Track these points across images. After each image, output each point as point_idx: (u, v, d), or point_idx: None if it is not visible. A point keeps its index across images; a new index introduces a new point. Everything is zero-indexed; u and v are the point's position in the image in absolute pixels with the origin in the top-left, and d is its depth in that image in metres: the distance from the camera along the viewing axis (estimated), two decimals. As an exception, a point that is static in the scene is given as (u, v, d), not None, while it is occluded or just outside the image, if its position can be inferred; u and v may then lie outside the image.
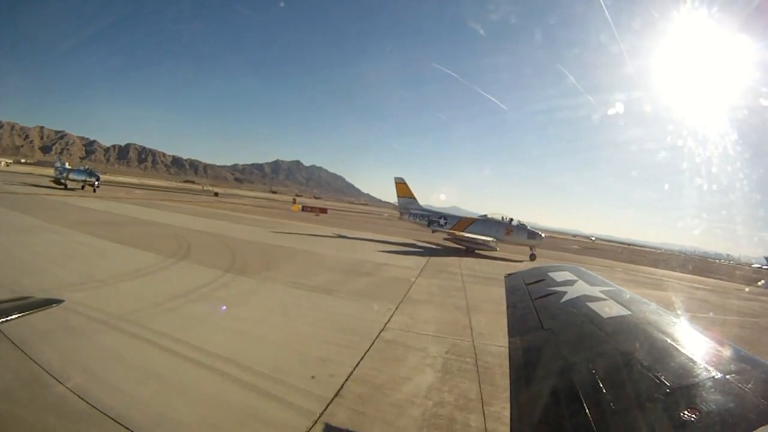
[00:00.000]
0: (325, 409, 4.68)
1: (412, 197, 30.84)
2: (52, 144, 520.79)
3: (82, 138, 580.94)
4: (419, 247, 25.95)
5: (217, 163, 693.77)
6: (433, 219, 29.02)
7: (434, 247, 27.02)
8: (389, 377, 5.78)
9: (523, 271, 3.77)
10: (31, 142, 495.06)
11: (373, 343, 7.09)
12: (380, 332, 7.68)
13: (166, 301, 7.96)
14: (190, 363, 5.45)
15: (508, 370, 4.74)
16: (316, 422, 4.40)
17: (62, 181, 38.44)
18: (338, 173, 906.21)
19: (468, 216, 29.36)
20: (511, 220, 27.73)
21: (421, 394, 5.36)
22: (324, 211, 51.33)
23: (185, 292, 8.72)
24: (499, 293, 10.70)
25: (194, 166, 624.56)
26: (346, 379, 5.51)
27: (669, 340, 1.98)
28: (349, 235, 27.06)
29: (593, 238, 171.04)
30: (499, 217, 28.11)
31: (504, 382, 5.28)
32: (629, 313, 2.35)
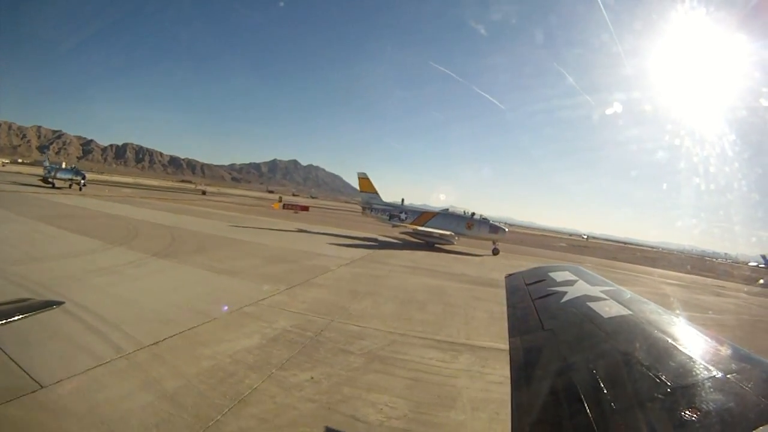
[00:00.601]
0: (137, 351, 5.70)
1: (374, 192, 31.14)
2: (50, 144, 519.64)
3: (79, 137, 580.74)
4: (377, 241, 26.22)
5: (215, 163, 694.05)
6: (394, 213, 29.10)
7: (395, 241, 27.08)
8: (214, 337, 6.58)
9: (524, 271, 3.80)
10: (28, 141, 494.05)
11: (230, 313, 7.96)
12: (245, 306, 8.48)
13: (80, 274, 9.37)
14: (70, 316, 6.70)
15: (340, 345, 6.79)
16: (121, 357, 5.44)
17: (50, 180, 39.46)
18: (336, 173, 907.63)
19: (430, 209, 29.54)
20: (473, 214, 27.70)
21: (227, 353, 6.07)
22: (305, 208, 51.12)
23: (101, 269, 10.06)
24: (422, 282, 11.76)
25: (191, 166, 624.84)
26: (173, 336, 6.41)
27: (669, 340, 2.00)
28: (310, 230, 27.44)
29: (585, 237, 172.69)
30: (460, 211, 28.11)
31: (330, 356, 6.46)
32: (630, 312, 2.38)
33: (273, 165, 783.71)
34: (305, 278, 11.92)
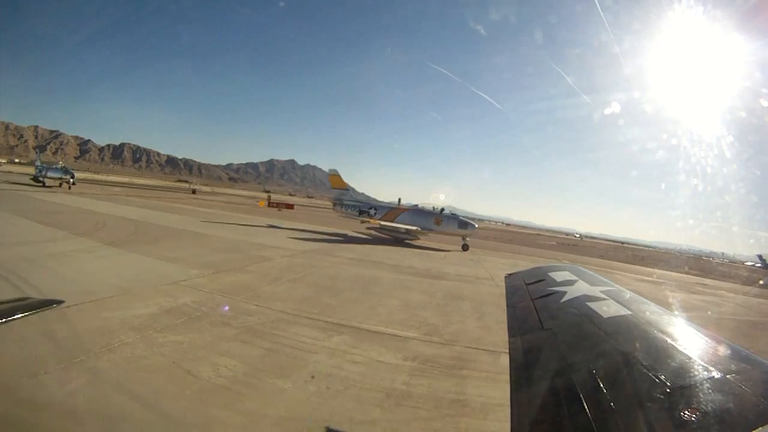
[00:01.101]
0: (49, 310, 6.79)
1: (345, 188, 32.15)
2: (47, 143, 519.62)
3: (76, 137, 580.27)
4: (345, 236, 26.78)
5: (212, 163, 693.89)
6: (363, 209, 29.69)
7: (364, 237, 27.74)
8: (118, 306, 7.51)
9: (524, 271, 3.85)
10: (25, 141, 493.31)
11: (145, 289, 8.85)
12: (164, 285, 9.37)
13: (35, 257, 10.55)
14: (11, 285, 8.00)
15: (225, 319, 7.57)
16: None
17: (40, 178, 40.81)
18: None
19: (401, 206, 29.89)
20: (442, 209, 28.15)
21: (121, 317, 6.93)
22: (291, 206, 51.07)
23: (55, 254, 11.28)
24: (357, 272, 12.46)
25: (189, 166, 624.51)
26: (86, 302, 7.40)
27: (669, 340, 2.01)
28: (281, 226, 27.89)
29: (577, 235, 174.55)
30: (430, 207, 28.64)
31: (208, 326, 7.09)
32: (629, 312, 2.39)
33: (270, 165, 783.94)
34: (239, 266, 12.71)
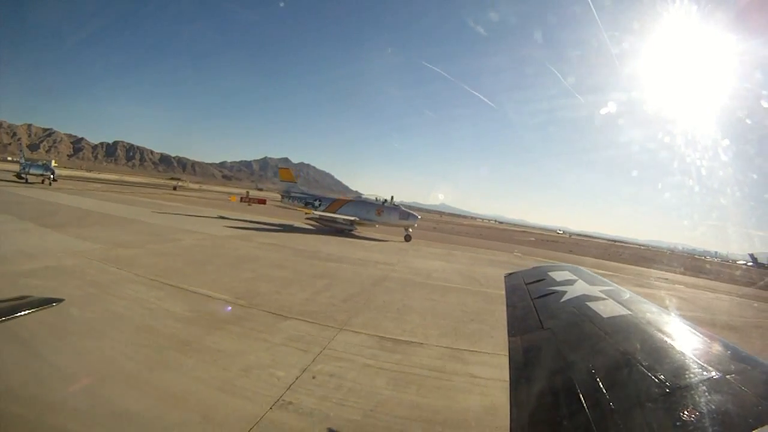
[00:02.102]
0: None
1: (293, 181, 33.01)
2: (40, 142, 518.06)
3: (69, 136, 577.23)
4: (285, 226, 27.37)
5: (206, 161, 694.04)
6: (309, 201, 30.21)
7: (307, 228, 28.26)
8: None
9: (523, 270, 3.88)
10: (18, 140, 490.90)
11: (33, 254, 10.49)
12: (56, 253, 10.89)
13: None
14: None
15: (73, 274, 9.58)
16: None
17: (23, 175, 42.24)
18: (327, 170, 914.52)
19: (342, 198, 31.09)
20: (385, 201, 28.85)
21: None
22: (262, 201, 51.71)
23: None
24: (251, 253, 13.18)
25: (182, 164, 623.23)
26: None
27: (669, 340, 2.02)
28: (230, 217, 28.70)
29: (560, 232, 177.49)
30: (373, 198, 29.37)
31: (51, 276, 8.62)
32: (629, 312, 2.41)
33: (264, 163, 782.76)
34: (141, 244, 14.02)
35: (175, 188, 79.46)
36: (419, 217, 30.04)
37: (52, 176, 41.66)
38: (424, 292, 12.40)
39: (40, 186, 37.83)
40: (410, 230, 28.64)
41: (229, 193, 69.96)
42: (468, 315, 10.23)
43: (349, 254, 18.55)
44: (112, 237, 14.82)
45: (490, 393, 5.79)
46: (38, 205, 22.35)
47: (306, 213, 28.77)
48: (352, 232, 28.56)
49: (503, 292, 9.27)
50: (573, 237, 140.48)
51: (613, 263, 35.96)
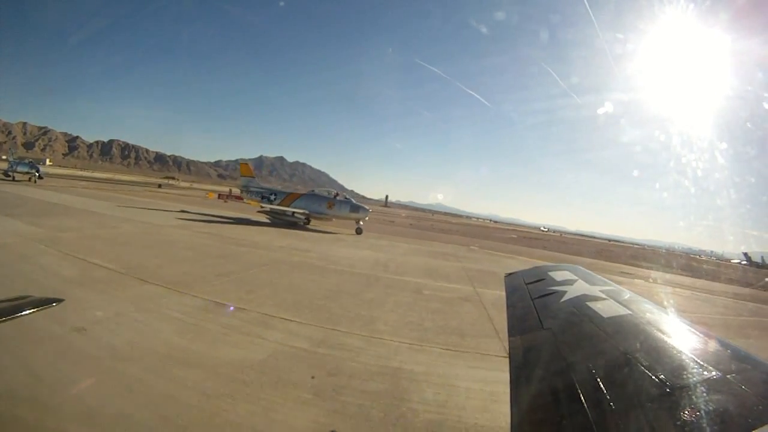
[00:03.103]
0: None
1: (252, 176, 34.30)
2: (35, 140, 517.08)
3: (65, 134, 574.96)
4: (235, 219, 28.48)
5: (201, 160, 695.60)
6: (266, 195, 30.96)
7: (259, 221, 28.73)
8: None
9: (523, 270, 3.91)
10: (13, 138, 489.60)
11: None
12: (4, 236, 12.45)
13: None
14: None
15: None
16: None
17: (10, 173, 43.83)
18: (322, 169, 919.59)
19: (295, 192, 31.69)
20: (336, 194, 29.59)
21: None
22: (240, 198, 55.79)
23: None
24: (179, 239, 17.03)
25: (177, 163, 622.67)
26: None
27: (669, 340, 2.04)
28: (191, 211, 30.15)
29: (544, 229, 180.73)
30: (325, 192, 30.22)
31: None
32: (629, 312, 2.43)
33: (259, 162, 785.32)
34: (81, 230, 15.60)
35: (160, 186, 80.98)
36: (370, 210, 31.07)
37: (37, 174, 42.98)
38: (310, 274, 13.08)
39: (25, 183, 39.31)
40: (362, 223, 29.31)
41: (208, 190, 71.85)
42: (325, 293, 10.71)
43: (275, 242, 19.50)
44: (60, 224, 16.37)
45: (260, 350, 6.49)
46: (11, 199, 24.11)
47: (251, 205, 29.91)
48: (307, 226, 29.34)
49: (402, 277, 11.43)
50: (564, 235, 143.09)
51: (581, 258, 36.91)
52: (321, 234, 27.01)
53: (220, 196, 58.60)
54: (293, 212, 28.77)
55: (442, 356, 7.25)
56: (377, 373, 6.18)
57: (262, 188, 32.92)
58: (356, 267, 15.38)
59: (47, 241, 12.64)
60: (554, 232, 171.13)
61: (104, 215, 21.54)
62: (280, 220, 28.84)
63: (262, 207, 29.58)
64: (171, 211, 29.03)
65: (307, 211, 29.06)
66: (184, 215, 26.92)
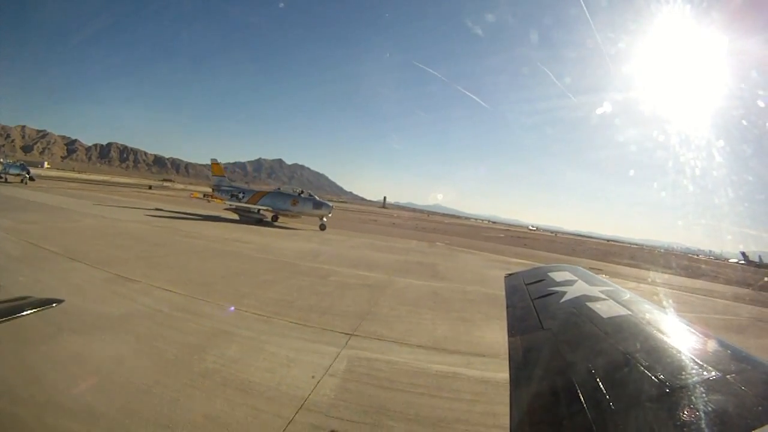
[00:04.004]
0: None
1: (223, 176, 35.93)
2: (34, 143, 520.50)
3: (63, 137, 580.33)
4: (202, 216, 29.63)
5: (200, 162, 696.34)
6: (235, 194, 32.16)
7: (227, 218, 29.88)
8: None
9: (523, 271, 3.92)
10: (12, 141, 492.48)
11: None
12: None
13: None
14: None
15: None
16: None
17: (2, 175, 46.32)
18: (321, 172, 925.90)
19: (262, 190, 32.71)
20: (301, 192, 30.73)
21: None
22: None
23: None
24: (130, 231, 19.16)
25: (176, 165, 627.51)
26: None
27: (669, 340, 2.05)
28: (164, 209, 31.55)
29: (532, 228, 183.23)
30: (290, 190, 31.20)
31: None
32: (629, 313, 2.43)
33: (258, 164, 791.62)
34: (44, 222, 17.41)
35: (150, 187, 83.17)
36: (332, 206, 32.06)
37: (27, 176, 45.48)
38: (230, 260, 14.27)
39: (16, 184, 41.59)
40: (325, 219, 30.30)
41: (193, 191, 73.75)
42: (226, 274, 11.94)
43: (223, 235, 20.85)
44: (29, 218, 18.12)
45: (124, 309, 7.83)
46: (-5, 199, 26.38)
47: (218, 202, 31.04)
48: (275, 223, 30.81)
49: (322, 266, 12.99)
50: (558, 235, 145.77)
51: (555, 255, 37.90)
52: (280, 230, 28.19)
53: (204, 195, 60.82)
54: (258, 209, 30.06)
55: (282, 327, 7.94)
56: (202, 331, 7.12)
57: (232, 187, 34.44)
58: (285, 257, 16.38)
59: (10, 230, 14.53)
60: (551, 232, 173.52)
61: (74, 212, 23.08)
62: (247, 217, 29.80)
63: (229, 205, 30.83)
64: (145, 209, 30.36)
65: (270, 208, 30.27)
66: (155, 213, 28.28)
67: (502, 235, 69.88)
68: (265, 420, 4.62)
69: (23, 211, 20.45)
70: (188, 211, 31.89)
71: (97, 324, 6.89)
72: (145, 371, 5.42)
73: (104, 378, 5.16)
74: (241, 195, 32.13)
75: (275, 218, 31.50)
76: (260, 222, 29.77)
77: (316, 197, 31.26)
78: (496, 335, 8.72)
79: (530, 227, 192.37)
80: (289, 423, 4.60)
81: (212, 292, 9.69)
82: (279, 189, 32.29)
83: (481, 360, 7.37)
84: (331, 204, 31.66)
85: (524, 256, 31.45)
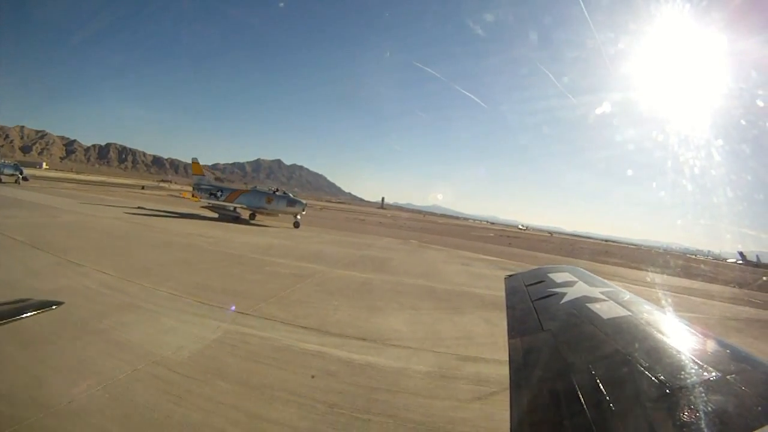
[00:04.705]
0: None
1: (202, 174, 36.68)
2: (32, 144, 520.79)
3: (62, 138, 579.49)
4: (180, 213, 30.36)
5: (199, 163, 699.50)
6: (213, 192, 32.94)
7: (211, 216, 30.60)
8: None
9: (523, 272, 3.94)
10: (11, 142, 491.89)
11: None
12: None
13: None
14: None
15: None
16: None
17: None
18: (319, 172, 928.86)
19: (239, 189, 33.81)
20: (276, 190, 31.64)
21: None
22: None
23: None
24: (97, 225, 20.65)
25: (174, 166, 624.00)
26: None
27: (669, 341, 2.05)
28: (146, 207, 32.46)
29: (521, 227, 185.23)
30: (266, 189, 32.11)
31: None
32: (629, 314, 2.44)
33: (257, 164, 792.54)
34: (24, 218, 18.79)
35: (143, 188, 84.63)
36: (306, 203, 32.74)
37: (21, 176, 46.74)
38: (180, 251, 15.37)
39: (10, 184, 42.66)
40: (299, 217, 30.91)
41: (182, 190, 74.88)
42: (166, 262, 13.04)
43: (188, 230, 21.82)
44: (9, 213, 19.46)
45: (53, 285, 9.00)
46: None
47: (192, 200, 31.96)
48: (252, 221, 31.60)
49: (268, 258, 14.09)
50: (554, 235, 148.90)
51: (535, 253, 38.81)
52: (253, 227, 28.92)
53: (193, 195, 61.91)
54: (234, 207, 30.94)
55: (185, 304, 8.88)
56: (114, 303, 8.29)
57: (211, 185, 35.23)
58: (235, 249, 17.22)
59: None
60: (549, 233, 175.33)
61: (56, 209, 24.18)
62: (224, 215, 30.47)
63: (207, 203, 31.51)
64: (127, 207, 31.26)
65: (245, 206, 31.31)
66: (136, 210, 29.17)
67: (492, 235, 70.71)
68: (117, 365, 5.64)
69: (7, 208, 21.70)
70: (169, 210, 32.68)
71: (28, 294, 8.28)
72: (50, 326, 6.52)
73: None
74: (219, 193, 33.03)
75: (252, 216, 32.41)
76: (237, 219, 30.48)
77: (290, 195, 32.05)
78: (398, 323, 9.31)
79: (520, 226, 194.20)
80: (134, 370, 5.55)
81: (144, 275, 10.77)
82: (255, 187, 33.22)
83: (360, 343, 7.78)
84: (304, 202, 32.38)
85: (497, 253, 32.25)
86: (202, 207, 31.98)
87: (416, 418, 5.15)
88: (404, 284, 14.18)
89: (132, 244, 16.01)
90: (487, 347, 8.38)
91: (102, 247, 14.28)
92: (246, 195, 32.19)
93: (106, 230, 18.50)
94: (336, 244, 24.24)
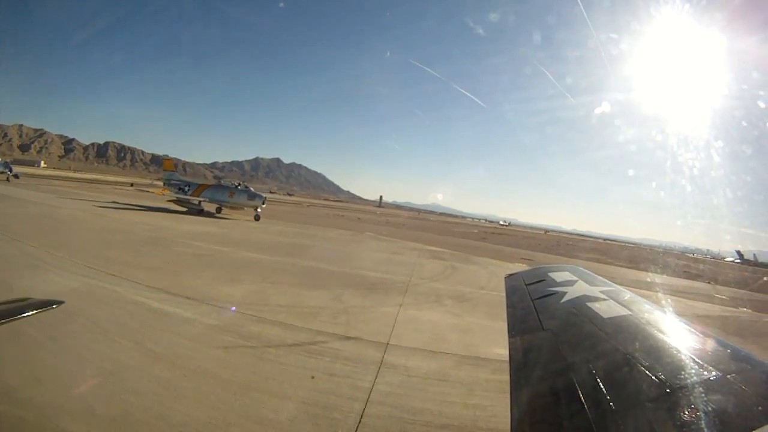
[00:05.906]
0: None
1: (174, 170, 37.82)
2: (31, 142, 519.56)
3: (61, 136, 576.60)
4: (148, 207, 31.17)
5: (197, 161, 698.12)
6: (182, 187, 33.78)
7: (178, 210, 31.29)
8: None
9: (523, 271, 3.92)
10: (9, 140, 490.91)
11: None
12: None
13: None
14: None
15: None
16: None
17: None
18: (318, 171, 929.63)
19: (204, 183, 34.82)
20: (238, 185, 32.76)
21: None
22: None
23: None
24: (66, 216, 22.60)
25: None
26: None
27: (669, 340, 2.05)
28: (120, 201, 33.60)
29: (503, 223, 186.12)
30: (229, 183, 33.47)
31: None
32: (629, 313, 2.43)
33: (256, 163, 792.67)
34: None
35: (132, 185, 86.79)
36: (266, 197, 33.91)
37: (10, 173, 48.00)
38: (114, 235, 16.62)
39: (1, 182, 43.57)
40: (259, 210, 31.89)
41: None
42: (101, 242, 14.49)
43: (137, 220, 23.11)
44: None
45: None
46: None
47: (157, 193, 33.45)
48: (217, 214, 32.51)
49: (196, 243, 17.13)
50: (549, 233, 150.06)
51: (517, 249, 39.12)
52: (208, 219, 29.47)
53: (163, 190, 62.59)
54: (199, 201, 31.87)
55: (78, 267, 10.55)
56: (23, 263, 10.21)
57: (180, 181, 36.00)
58: (166, 235, 18.56)
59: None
60: (545, 230, 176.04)
61: (30, 202, 25.47)
62: (190, 209, 31.29)
63: (177, 197, 32.75)
64: (101, 201, 32.02)
65: (208, 200, 32.41)
66: (108, 204, 30.10)
67: (476, 231, 72.00)
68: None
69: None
70: (142, 204, 33.60)
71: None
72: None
73: None
74: (186, 188, 34.08)
75: (219, 210, 33.48)
76: (201, 213, 31.34)
77: (251, 189, 33.29)
78: (238, 291, 10.25)
79: (501, 222, 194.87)
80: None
81: (65, 249, 12.40)
82: (220, 182, 34.72)
83: (181, 300, 8.95)
84: (264, 195, 33.60)
85: (460, 247, 32.70)
86: (168, 201, 33.06)
87: (160, 351, 6.43)
88: (295, 265, 15.01)
89: (76, 228, 17.54)
90: (292, 315, 8.87)
91: (47, 231, 15.81)
92: (210, 189, 33.39)
93: (62, 219, 19.80)
94: (277, 234, 25.23)
